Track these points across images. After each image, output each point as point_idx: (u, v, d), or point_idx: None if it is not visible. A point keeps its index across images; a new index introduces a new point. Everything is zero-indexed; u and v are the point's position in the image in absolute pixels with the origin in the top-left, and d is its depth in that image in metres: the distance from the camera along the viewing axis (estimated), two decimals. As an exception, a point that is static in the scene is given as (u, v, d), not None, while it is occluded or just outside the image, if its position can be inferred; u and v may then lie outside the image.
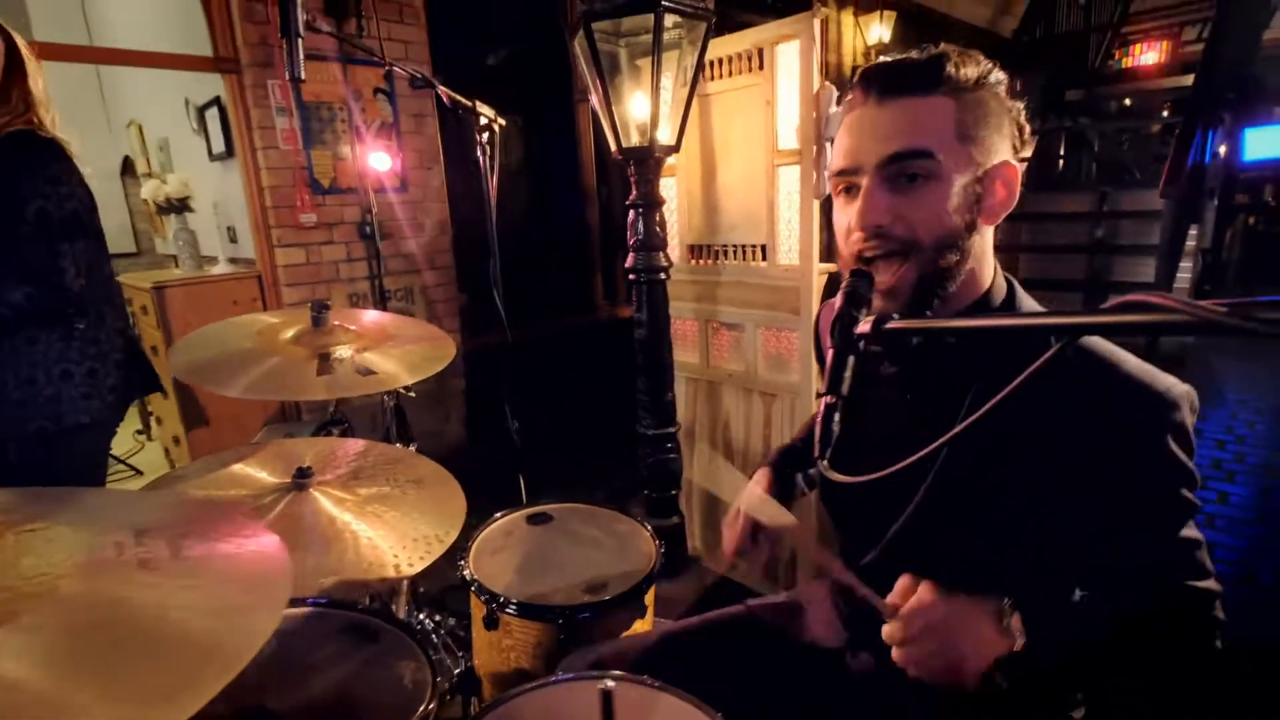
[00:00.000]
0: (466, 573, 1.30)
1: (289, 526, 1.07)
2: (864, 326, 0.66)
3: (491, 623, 1.25)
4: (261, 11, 2.87)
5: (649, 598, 1.34)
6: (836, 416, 0.65)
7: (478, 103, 1.47)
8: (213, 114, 3.17)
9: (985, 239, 0.80)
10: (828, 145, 1.82)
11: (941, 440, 0.61)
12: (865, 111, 0.76)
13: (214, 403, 2.97)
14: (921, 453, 0.63)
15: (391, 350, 1.35)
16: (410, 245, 3.49)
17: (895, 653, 0.71)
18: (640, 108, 1.83)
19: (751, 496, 1.03)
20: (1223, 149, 5.03)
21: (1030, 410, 0.72)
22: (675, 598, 2.08)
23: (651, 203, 1.88)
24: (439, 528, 1.15)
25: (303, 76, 1.06)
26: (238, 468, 1.22)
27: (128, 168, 4.79)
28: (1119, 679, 0.73)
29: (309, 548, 1.03)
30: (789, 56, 1.83)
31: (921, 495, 0.82)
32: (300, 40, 1.01)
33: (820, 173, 1.82)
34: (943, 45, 0.76)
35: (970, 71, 0.74)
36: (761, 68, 1.89)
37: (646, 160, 1.83)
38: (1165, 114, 6.11)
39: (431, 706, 0.85)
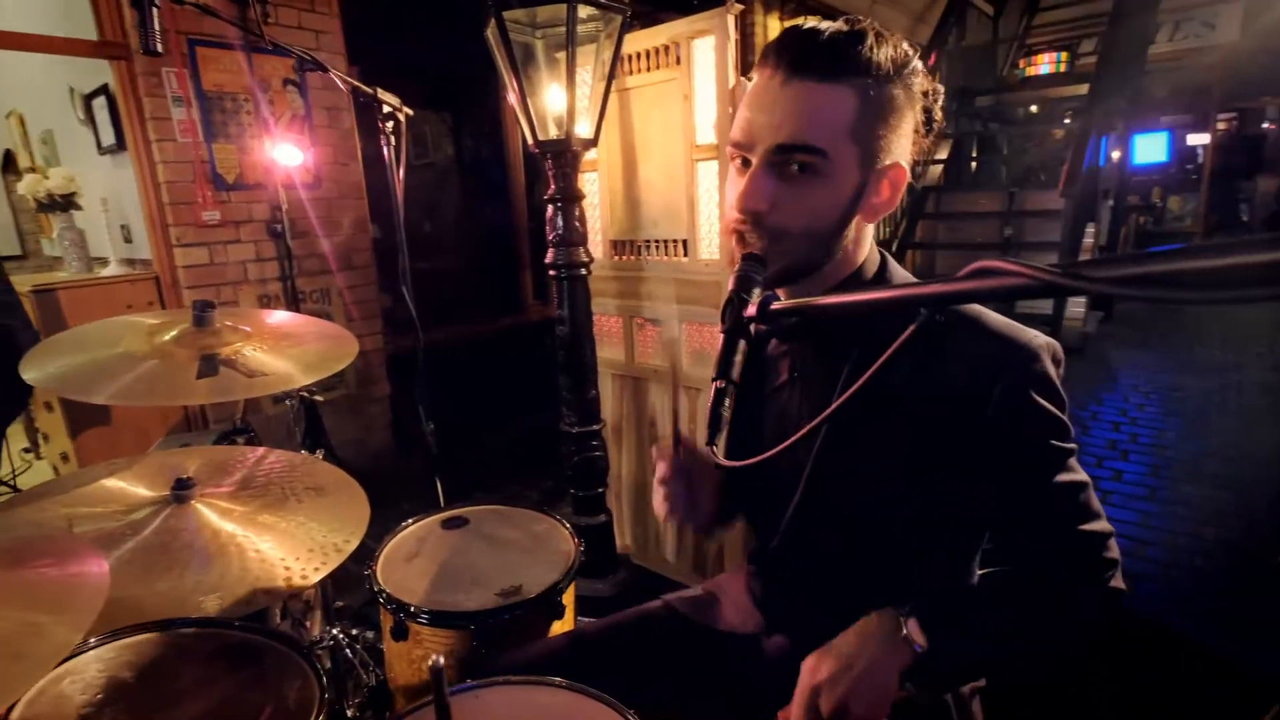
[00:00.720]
0: (373, 583, 1.23)
1: (164, 543, 0.98)
2: (750, 309, 0.65)
3: (400, 633, 1.19)
4: (153, -7, 2.68)
5: (568, 598, 1.30)
6: (727, 401, 0.64)
7: (379, 90, 1.40)
8: (101, 103, 2.95)
9: (864, 233, 0.81)
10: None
11: (818, 419, 0.61)
12: (770, 86, 0.74)
13: (106, 415, 2.76)
14: (798, 434, 0.62)
15: (288, 350, 1.26)
16: (325, 244, 3.34)
17: None
18: (557, 100, 1.80)
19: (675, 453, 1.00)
20: (1115, 154, 5.40)
21: (902, 379, 0.73)
22: (603, 596, 2.05)
23: (570, 197, 1.84)
24: (339, 535, 1.09)
25: (158, 49, 0.98)
26: (111, 482, 1.12)
27: (9, 162, 4.41)
28: (1030, 644, 0.75)
29: (187, 564, 0.95)
30: (705, 51, 1.83)
31: (807, 475, 0.82)
32: (155, 10, 0.92)
33: (738, 167, 1.83)
34: (867, 21, 0.74)
35: (885, 55, 0.73)
36: (679, 62, 1.88)
37: (564, 154, 1.80)
38: (1066, 120, 6.52)
39: (320, 720, 0.79)
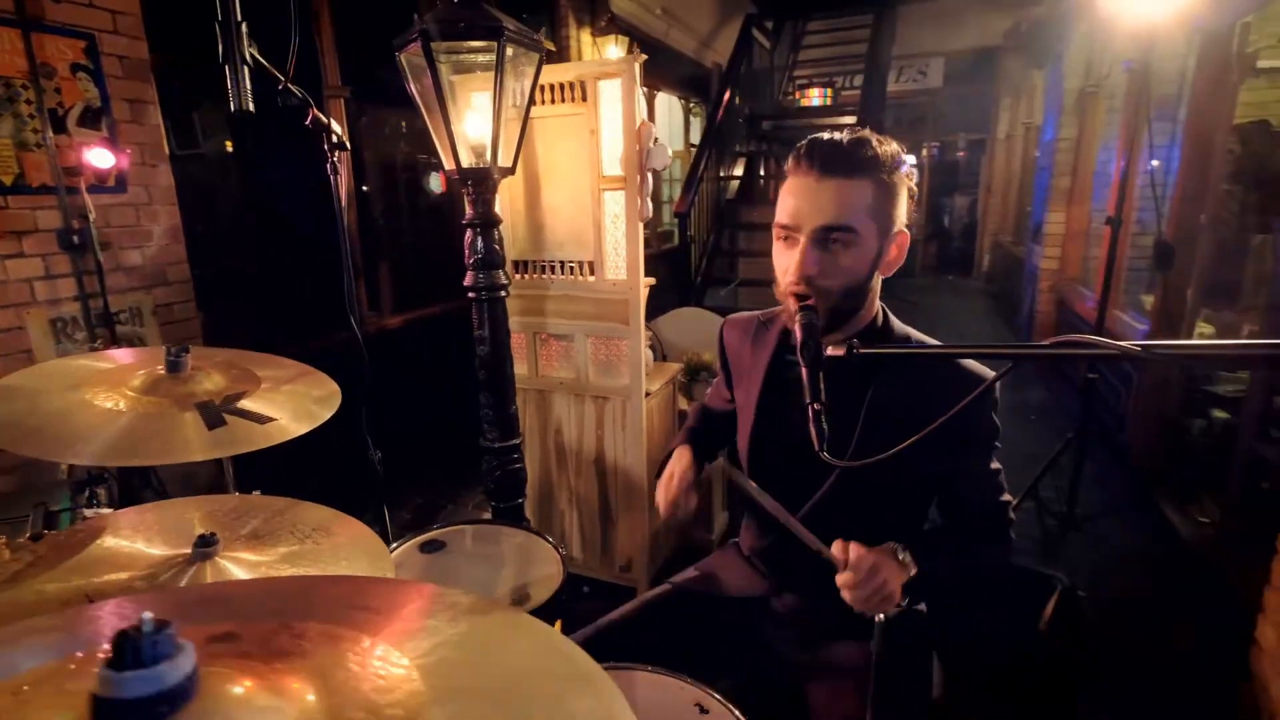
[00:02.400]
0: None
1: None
2: (836, 351, 0.88)
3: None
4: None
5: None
6: (824, 418, 0.87)
7: (331, 120, 1.38)
8: None
9: (878, 284, 1.09)
10: (649, 175, 2.06)
11: (908, 442, 0.85)
12: (808, 182, 1.00)
13: None
14: (884, 455, 0.86)
15: (270, 394, 1.23)
16: (136, 256, 2.90)
17: (846, 594, 0.96)
18: (473, 128, 1.86)
19: (681, 463, 1.24)
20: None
21: (906, 402, 1.03)
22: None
23: (490, 222, 1.92)
24: (375, 573, 1.11)
25: None
26: (112, 544, 1.02)
27: None
28: (965, 570, 1.08)
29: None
30: (612, 91, 2.01)
31: (837, 473, 1.08)
32: None
33: (644, 199, 2.05)
34: (864, 131, 1.02)
35: (886, 152, 1.00)
36: (585, 99, 2.05)
37: (485, 181, 1.87)
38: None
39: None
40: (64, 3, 2.59)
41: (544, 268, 2.26)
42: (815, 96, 6.50)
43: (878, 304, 1.12)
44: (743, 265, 6.66)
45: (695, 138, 7.29)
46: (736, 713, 1.02)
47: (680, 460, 1.26)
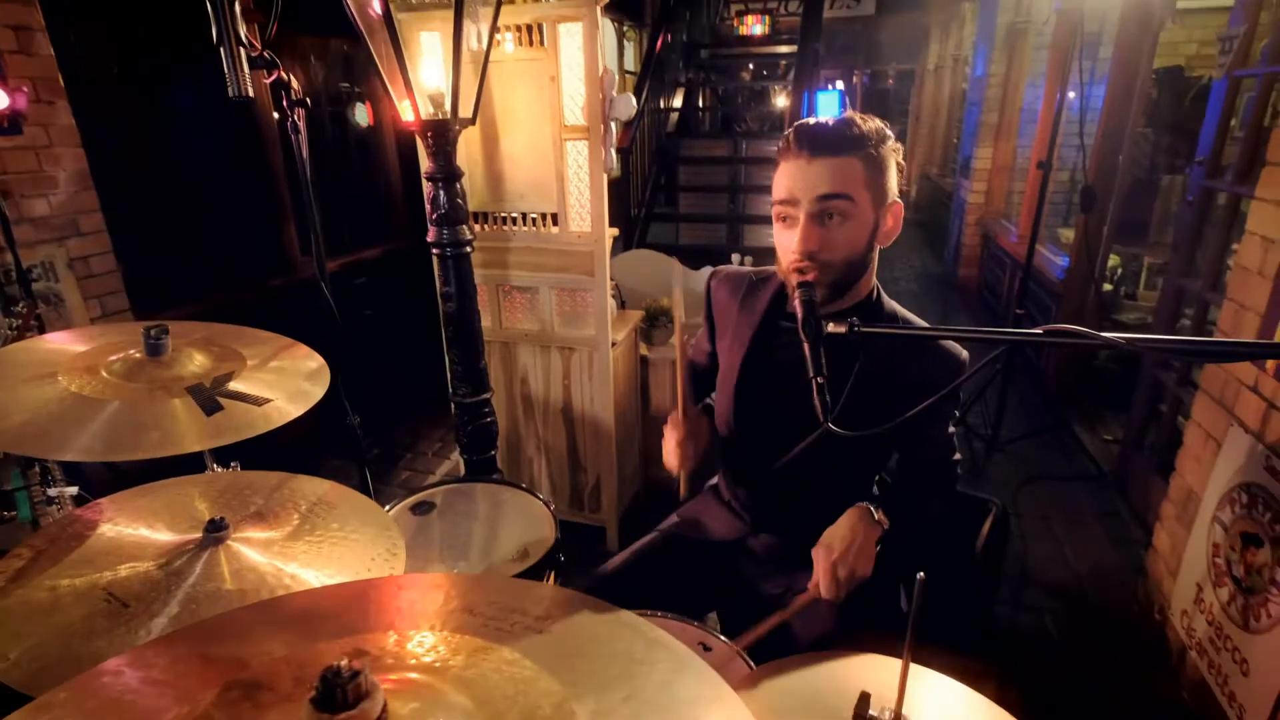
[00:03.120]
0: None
1: (217, 590, 0.95)
2: (837, 328, 0.94)
3: (431, 616, 1.29)
4: None
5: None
6: (827, 390, 0.93)
7: (292, 77, 1.30)
8: None
9: (876, 257, 1.15)
10: (613, 124, 2.03)
11: (898, 421, 0.93)
12: (799, 163, 1.04)
13: None
14: (885, 427, 0.94)
15: (259, 373, 1.20)
16: (41, 206, 2.65)
17: (839, 595, 1.08)
18: (429, 76, 1.78)
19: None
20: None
21: (891, 370, 1.11)
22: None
23: (452, 175, 1.86)
24: (382, 544, 1.14)
25: None
26: (113, 531, 1.01)
27: None
28: (922, 521, 1.21)
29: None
30: (572, 36, 1.94)
31: (818, 432, 1.17)
32: None
33: (608, 150, 2.03)
34: (848, 112, 1.06)
35: (871, 126, 1.05)
36: (543, 44, 1.97)
37: (446, 133, 1.80)
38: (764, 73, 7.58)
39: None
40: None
41: (505, 219, 2.22)
42: (753, 24, 6.36)
43: (874, 280, 1.19)
44: (683, 200, 6.64)
45: (630, 64, 7.06)
46: (737, 649, 1.12)
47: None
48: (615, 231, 2.21)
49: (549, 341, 2.32)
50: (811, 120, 1.06)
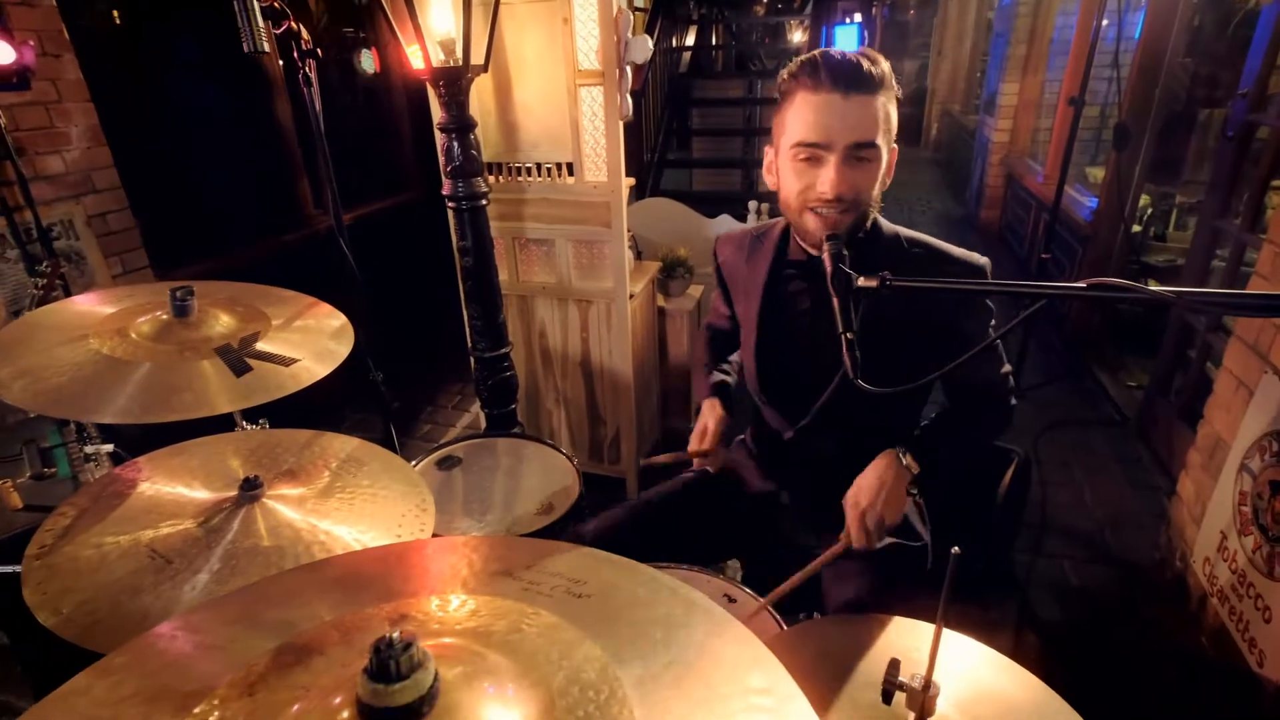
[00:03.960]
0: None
1: (254, 547, 0.98)
2: (868, 282, 0.92)
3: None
4: None
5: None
6: (855, 346, 0.92)
7: (301, 26, 1.25)
8: None
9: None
10: (628, 69, 1.96)
11: (928, 379, 0.92)
12: (833, 99, 0.99)
13: None
14: (914, 384, 0.92)
15: (285, 333, 1.20)
16: (56, 163, 2.63)
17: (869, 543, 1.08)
18: (440, 21, 1.71)
19: (714, 416, 1.33)
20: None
21: (908, 298, 1.09)
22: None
23: (465, 125, 1.81)
24: (412, 501, 1.16)
25: None
26: (150, 490, 1.03)
27: None
28: (970, 449, 1.20)
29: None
30: (584, -27, 1.86)
31: (841, 375, 1.15)
32: None
33: (624, 95, 1.96)
34: (864, 49, 1.02)
35: (883, 68, 1.02)
36: (555, -18, 1.89)
37: (459, 81, 1.75)
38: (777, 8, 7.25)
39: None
40: None
41: (519, 170, 2.18)
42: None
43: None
44: (697, 144, 6.47)
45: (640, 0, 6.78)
46: (760, 599, 1.14)
47: (714, 414, 1.34)
48: (632, 181, 2.16)
49: (566, 294, 2.30)
50: (834, 52, 1.01)
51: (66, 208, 2.70)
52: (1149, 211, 3.69)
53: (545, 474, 1.53)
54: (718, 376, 1.41)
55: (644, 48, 1.91)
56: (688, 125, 6.31)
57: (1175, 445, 2.46)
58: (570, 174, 2.13)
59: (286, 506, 1.07)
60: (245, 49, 0.86)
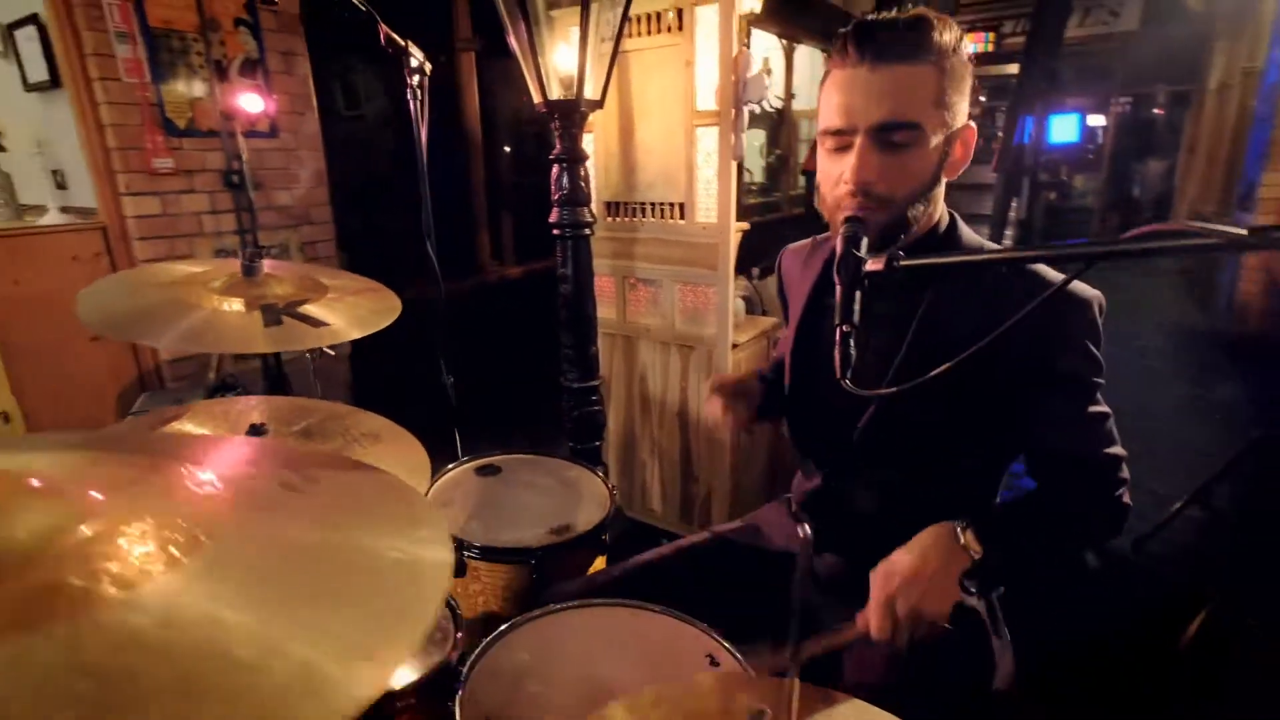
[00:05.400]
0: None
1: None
2: (875, 265, 0.75)
3: (459, 570, 1.27)
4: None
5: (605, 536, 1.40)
6: (852, 341, 0.75)
7: (410, 44, 1.40)
8: (28, 34, 2.69)
9: (942, 190, 0.93)
10: (745, 110, 1.93)
11: (950, 365, 0.72)
12: (858, 73, 0.84)
13: (53, 370, 2.60)
14: (919, 380, 0.73)
15: (334, 303, 1.28)
16: (285, 197, 3.20)
17: (895, 638, 0.84)
18: (565, 60, 1.82)
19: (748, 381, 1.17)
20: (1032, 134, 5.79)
21: (977, 322, 0.86)
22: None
23: (576, 158, 1.88)
24: (410, 483, 1.14)
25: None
26: (172, 428, 1.13)
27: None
28: (1058, 548, 0.90)
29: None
30: (709, 18, 1.89)
31: (878, 402, 0.94)
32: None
33: (739, 135, 1.92)
34: (922, 9, 0.85)
35: (949, 37, 0.84)
36: (681, 28, 1.94)
37: (572, 114, 1.83)
38: (982, 99, 6.92)
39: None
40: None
41: (635, 210, 2.21)
42: (975, 43, 5.83)
43: (941, 208, 0.96)
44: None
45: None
46: (749, 669, 0.94)
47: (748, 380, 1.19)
48: (745, 226, 2.08)
49: (669, 338, 2.24)
50: (874, 15, 0.86)
51: (286, 234, 3.24)
52: None
53: (579, 498, 1.44)
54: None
55: (760, 87, 1.88)
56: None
57: None
58: (682, 215, 2.11)
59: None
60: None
